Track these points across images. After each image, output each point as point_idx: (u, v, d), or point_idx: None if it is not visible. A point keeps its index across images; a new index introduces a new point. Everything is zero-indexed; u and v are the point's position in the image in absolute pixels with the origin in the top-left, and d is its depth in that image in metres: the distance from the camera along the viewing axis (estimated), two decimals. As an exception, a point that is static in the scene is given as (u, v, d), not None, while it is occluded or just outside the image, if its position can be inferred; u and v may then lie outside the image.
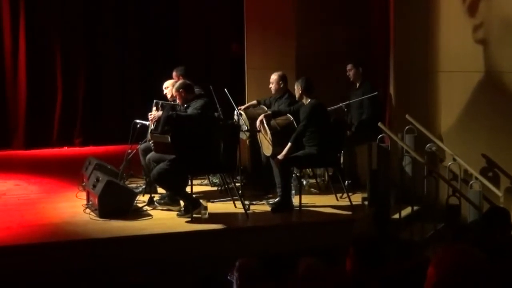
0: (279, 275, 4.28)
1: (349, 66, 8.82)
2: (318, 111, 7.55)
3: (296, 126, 7.69)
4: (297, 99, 7.77)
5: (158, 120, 7.41)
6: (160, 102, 7.95)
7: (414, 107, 8.14)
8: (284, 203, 7.46)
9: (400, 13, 8.34)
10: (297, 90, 7.63)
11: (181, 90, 7.36)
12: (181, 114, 7.20)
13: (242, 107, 8.54)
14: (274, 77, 8.26)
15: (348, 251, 3.92)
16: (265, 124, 7.79)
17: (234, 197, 7.67)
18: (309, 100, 7.56)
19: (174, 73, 8.67)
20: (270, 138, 7.68)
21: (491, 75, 7.53)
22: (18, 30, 11.75)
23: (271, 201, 7.69)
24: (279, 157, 7.42)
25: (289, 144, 7.43)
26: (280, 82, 8.24)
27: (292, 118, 7.86)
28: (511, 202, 7.16)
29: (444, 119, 8.02)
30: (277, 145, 7.62)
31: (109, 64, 12.49)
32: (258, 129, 7.90)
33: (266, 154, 7.91)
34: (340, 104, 8.64)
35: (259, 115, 7.96)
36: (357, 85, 8.81)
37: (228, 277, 4.46)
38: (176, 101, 7.63)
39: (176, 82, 7.95)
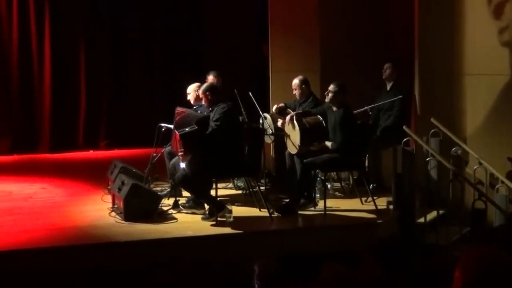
0: (300, 277, 4.27)
1: (387, 65, 8.79)
2: (349, 118, 7.52)
3: (325, 125, 7.66)
4: (329, 101, 7.61)
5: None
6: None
7: (439, 110, 8.09)
8: (292, 204, 7.46)
9: (424, 15, 8.30)
10: (331, 94, 7.53)
11: (207, 93, 7.34)
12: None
13: (275, 106, 8.43)
14: (296, 82, 8.19)
15: (373, 254, 3.91)
16: (294, 121, 7.73)
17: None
18: (339, 107, 7.53)
19: (210, 77, 8.66)
20: (299, 134, 7.61)
21: (517, 78, 7.48)
22: (44, 35, 11.88)
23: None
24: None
25: (329, 144, 7.48)
26: (303, 85, 8.17)
27: (321, 118, 7.79)
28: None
29: (470, 123, 7.96)
30: (304, 143, 7.57)
31: (134, 68, 12.57)
32: (288, 124, 7.83)
33: (291, 152, 7.85)
34: (365, 108, 8.61)
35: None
36: (388, 87, 8.78)
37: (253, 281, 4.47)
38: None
39: (200, 85, 7.97)
